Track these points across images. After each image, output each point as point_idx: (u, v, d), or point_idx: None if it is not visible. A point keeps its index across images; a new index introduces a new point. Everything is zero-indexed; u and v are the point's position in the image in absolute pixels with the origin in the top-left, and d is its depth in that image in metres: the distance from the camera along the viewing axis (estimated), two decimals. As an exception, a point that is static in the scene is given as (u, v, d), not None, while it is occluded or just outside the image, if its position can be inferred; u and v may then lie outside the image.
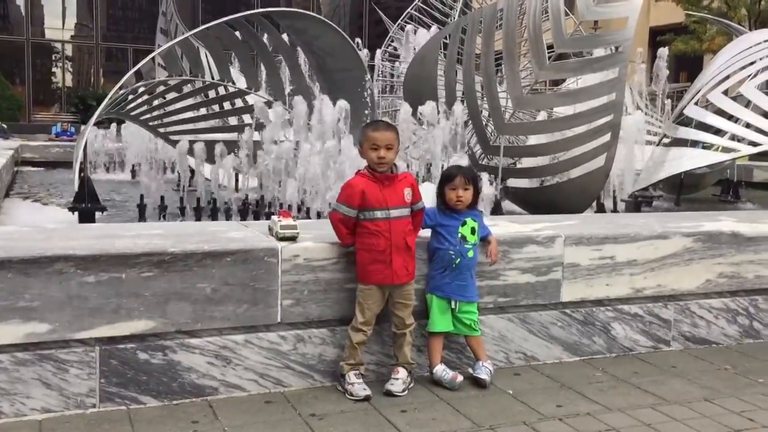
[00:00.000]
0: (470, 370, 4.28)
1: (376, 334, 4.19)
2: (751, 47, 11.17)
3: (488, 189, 8.93)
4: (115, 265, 3.61)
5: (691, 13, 31.61)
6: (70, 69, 43.16)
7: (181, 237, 4.07)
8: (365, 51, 17.95)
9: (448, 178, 4.26)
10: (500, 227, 4.78)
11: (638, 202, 10.63)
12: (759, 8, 34.90)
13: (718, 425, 3.77)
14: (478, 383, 4.18)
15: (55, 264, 3.51)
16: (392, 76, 16.82)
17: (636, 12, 8.33)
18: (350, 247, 4.00)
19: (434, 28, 15.39)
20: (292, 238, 4.03)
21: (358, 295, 3.99)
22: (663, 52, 14.80)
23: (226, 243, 3.93)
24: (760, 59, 10.75)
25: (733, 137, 10.19)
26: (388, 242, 3.91)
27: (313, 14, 13.03)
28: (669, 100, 16.31)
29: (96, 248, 3.64)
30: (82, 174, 9.20)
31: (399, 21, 17.54)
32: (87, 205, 8.54)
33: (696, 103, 10.74)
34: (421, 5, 16.75)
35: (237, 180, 10.74)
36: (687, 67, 40.27)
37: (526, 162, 10.45)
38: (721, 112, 10.38)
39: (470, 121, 10.55)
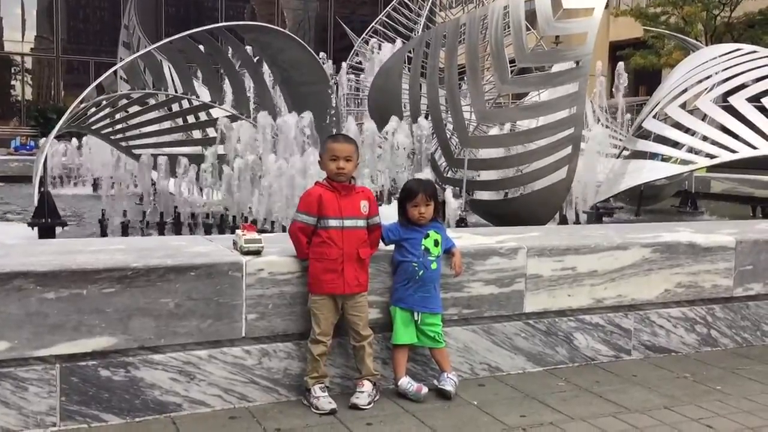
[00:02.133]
0: (435, 382, 4.30)
1: (340, 347, 4.20)
2: (706, 62, 11.45)
3: (453, 202, 9.01)
4: (75, 281, 3.57)
5: (649, 29, 32.34)
6: (30, 82, 42.47)
7: (143, 252, 4.03)
8: (330, 64, 18.02)
9: (409, 195, 4.30)
10: (464, 239, 4.82)
11: (600, 214, 10.79)
12: (714, 24, 35.84)
13: (677, 432, 3.85)
14: (443, 395, 4.20)
15: (14, 280, 3.45)
16: (357, 89, 16.90)
17: (595, 27, 8.50)
18: (305, 261, 4.01)
19: (398, 42, 15.53)
20: (257, 252, 4.03)
21: (312, 307, 4.00)
22: (621, 67, 15.10)
23: (190, 257, 3.91)
24: (716, 73, 11.03)
25: (690, 150, 10.43)
26: (341, 252, 3.94)
27: (278, 28, 13.03)
28: (629, 114, 16.63)
29: (56, 264, 3.60)
30: (42, 189, 9.05)
31: (363, 35, 17.66)
32: (47, 220, 8.40)
33: (654, 117, 10.97)
34: (386, 20, 16.90)
35: (201, 193, 10.68)
36: (646, 81, 41.11)
37: (489, 175, 10.55)
38: (678, 125, 10.62)
39: (434, 134, 10.64)
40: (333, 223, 3.96)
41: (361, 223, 4.05)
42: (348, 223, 3.99)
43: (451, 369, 4.33)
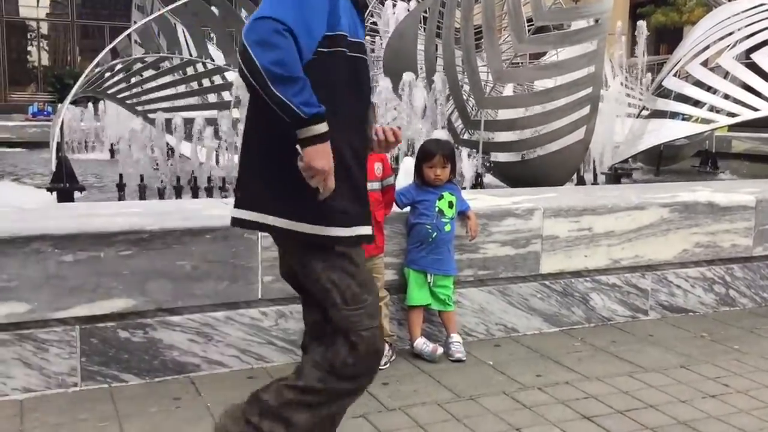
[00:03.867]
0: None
1: (356, 309, 4.21)
2: (729, 17, 11.18)
3: (469, 164, 8.95)
4: (93, 244, 3.60)
5: (670, -16, 31.54)
6: (46, 47, 42.45)
7: (160, 215, 4.06)
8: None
9: (426, 156, 4.27)
10: (480, 201, 4.80)
11: (618, 175, 10.70)
12: (738, -21, 34.93)
13: (693, 391, 3.85)
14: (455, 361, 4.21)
15: (32, 243, 3.49)
16: (372, 51, 16.72)
17: (614, -17, 8.32)
18: None
19: (413, 2, 15.29)
20: (272, 215, 4.02)
21: None
22: (641, 25, 14.79)
23: (206, 220, 3.92)
24: (738, 30, 10.78)
25: (711, 108, 10.25)
26: None
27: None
28: (649, 73, 16.35)
29: (73, 227, 3.63)
30: (60, 154, 9.10)
31: (378, -5, 17.40)
32: (65, 184, 8.46)
33: (675, 75, 10.78)
34: (400, -21, 16.61)
35: (217, 157, 10.67)
36: (667, 39, 40.35)
37: (505, 136, 10.45)
38: (699, 84, 10.43)
39: (450, 96, 10.53)
40: None
41: (376, 185, 4.02)
42: None
43: (456, 331, 4.34)
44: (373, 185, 4.00)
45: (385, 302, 4.12)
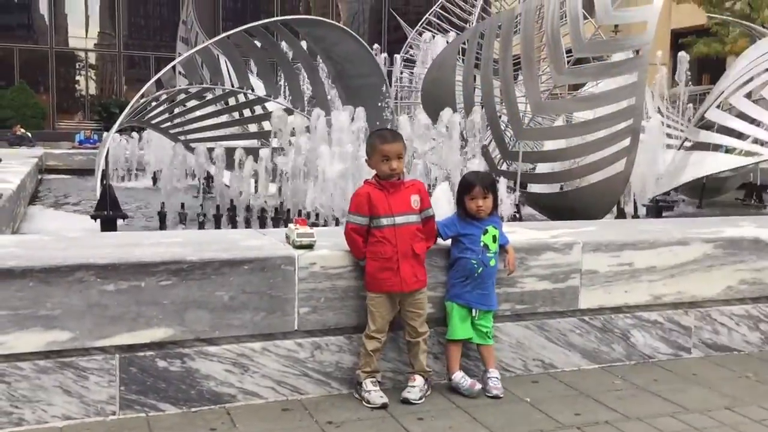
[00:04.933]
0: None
1: (391, 342, 4.19)
2: (773, 50, 11.04)
3: (507, 195, 8.91)
4: (134, 273, 3.65)
5: (712, 15, 31.28)
6: (93, 77, 43.69)
7: (199, 245, 4.10)
8: (384, 56, 18.01)
9: (467, 187, 4.24)
10: (518, 234, 4.77)
11: (659, 207, 10.55)
12: (783, 9, 34.49)
13: (738, 434, 3.73)
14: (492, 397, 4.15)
15: (75, 273, 3.55)
16: (410, 81, 16.85)
17: (655, 16, 8.27)
18: (362, 260, 4.01)
19: (452, 33, 15.41)
20: (309, 246, 4.05)
21: (369, 304, 3.99)
22: (683, 56, 14.65)
23: (244, 251, 3.96)
24: (783, 62, 10.62)
25: (755, 141, 10.08)
26: (395, 249, 3.92)
27: (332, 22, 13.09)
28: (690, 104, 16.16)
29: (116, 257, 3.69)
30: (104, 182, 9.31)
31: (417, 27, 17.59)
32: (108, 212, 8.63)
33: (718, 107, 10.64)
34: (440, 11, 16.79)
35: (256, 186, 10.80)
36: (709, 70, 39.85)
37: (544, 167, 10.40)
38: (743, 116, 10.27)
39: (489, 127, 10.53)
40: (385, 221, 3.94)
41: (414, 218, 4.01)
42: (399, 219, 3.96)
43: (495, 366, 4.28)
44: (408, 218, 4.01)
45: (424, 338, 4.10)
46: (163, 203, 9.19)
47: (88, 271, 3.57)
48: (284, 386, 4.00)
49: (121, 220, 8.88)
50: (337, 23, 13.10)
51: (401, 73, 16.88)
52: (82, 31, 41.76)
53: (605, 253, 4.69)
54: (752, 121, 10.16)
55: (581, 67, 9.90)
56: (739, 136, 10.19)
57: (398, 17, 24.77)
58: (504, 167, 10.74)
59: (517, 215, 8.97)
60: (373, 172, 4.10)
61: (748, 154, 10.23)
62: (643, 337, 4.85)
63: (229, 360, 3.89)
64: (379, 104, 11.63)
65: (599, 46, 10.27)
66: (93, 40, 42.55)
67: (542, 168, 10.49)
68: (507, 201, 8.89)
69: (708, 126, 10.69)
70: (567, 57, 9.80)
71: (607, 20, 9.20)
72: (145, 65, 41.16)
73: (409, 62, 17.19)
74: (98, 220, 8.60)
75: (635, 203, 10.38)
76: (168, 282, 3.70)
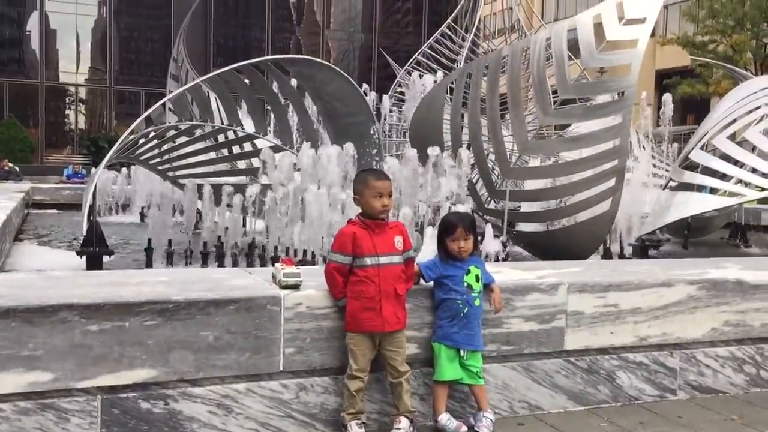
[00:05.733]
0: (472, 420, 4.24)
1: (377, 383, 4.17)
2: (756, 92, 11.25)
3: (494, 234, 8.95)
4: (118, 313, 3.63)
5: (695, 58, 31.86)
6: (83, 111, 43.82)
7: (185, 284, 4.09)
8: (373, 95, 18.19)
9: (448, 229, 4.27)
10: (503, 274, 4.79)
11: (645, 247, 10.62)
12: (765, 52, 35.21)
13: (724, 478, 3.72)
14: (480, 436, 4.14)
15: (59, 313, 3.53)
16: (399, 119, 17.01)
17: (639, 59, 8.43)
18: (341, 300, 4.01)
19: (440, 73, 15.61)
20: (295, 286, 4.05)
21: (349, 343, 3.99)
22: (667, 98, 14.90)
23: (230, 291, 3.95)
24: (765, 104, 10.82)
25: (738, 181, 10.21)
26: (378, 289, 3.93)
27: (321, 61, 13.23)
28: (675, 143, 16.37)
29: (100, 296, 3.67)
30: (91, 218, 9.28)
31: (406, 66, 17.81)
32: (95, 249, 8.60)
33: (702, 148, 10.79)
34: (428, 51, 17.03)
35: (244, 223, 10.80)
36: (694, 110, 40.51)
37: (531, 206, 10.48)
38: (726, 157, 10.42)
39: (476, 166, 10.62)
40: (369, 261, 3.96)
41: (397, 259, 4.04)
42: (383, 260, 3.98)
43: (488, 407, 4.27)
44: (392, 258, 4.03)
45: (406, 377, 4.08)
46: (150, 239, 9.16)
47: (71, 311, 3.55)
48: (268, 428, 3.96)
49: (107, 256, 8.83)
50: (326, 63, 13.24)
51: (390, 111, 17.04)
52: (73, 66, 42.00)
53: (591, 294, 4.71)
54: (735, 162, 10.30)
55: (567, 108, 10.03)
56: (723, 176, 10.31)
57: (387, 56, 25.09)
58: (491, 206, 10.81)
59: (505, 253, 9.00)
60: (358, 210, 4.13)
61: (732, 194, 10.34)
62: (629, 379, 4.85)
63: (213, 401, 3.85)
64: (368, 142, 11.71)
65: (584, 88, 10.44)
66: (83, 75, 42.76)
67: (528, 207, 10.56)
68: (494, 239, 8.94)
69: (692, 166, 10.82)
70: (553, 97, 9.94)
71: (593, 63, 9.37)
72: (135, 100, 41.32)
73: (399, 101, 17.37)
74: (84, 257, 8.56)
75: (621, 243, 10.45)
76: (152, 322, 3.69)
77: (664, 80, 42.58)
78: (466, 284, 4.20)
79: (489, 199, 10.81)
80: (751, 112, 10.92)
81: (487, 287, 4.37)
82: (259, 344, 3.90)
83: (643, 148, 14.82)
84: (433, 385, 4.26)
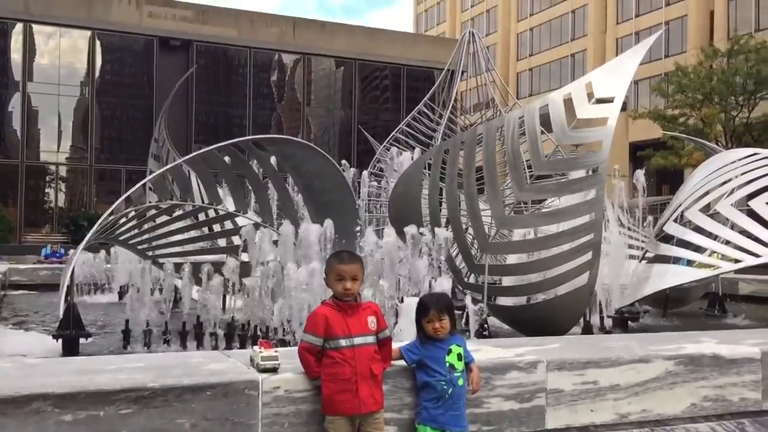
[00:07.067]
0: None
1: (357, 468, 4.10)
2: (726, 165, 11.58)
3: (474, 309, 8.97)
4: (93, 402, 3.58)
5: (667, 133, 32.74)
6: (63, 189, 43.72)
7: (161, 370, 4.05)
8: (353, 170, 18.45)
9: (422, 310, 4.29)
10: (483, 352, 4.79)
11: (625, 319, 10.68)
12: (734, 124, 36.30)
13: None
14: None
15: (32, 403, 3.48)
16: (378, 195, 17.21)
17: (609, 136, 8.67)
18: (317, 380, 3.99)
19: (418, 150, 15.92)
20: (273, 370, 4.03)
21: (328, 427, 3.94)
22: (639, 173, 15.25)
23: (207, 376, 3.92)
24: (735, 177, 11.12)
25: (712, 253, 10.38)
26: (353, 370, 3.91)
27: (300, 140, 13.45)
28: (650, 216, 16.65)
29: (74, 385, 3.62)
30: (69, 299, 9.19)
31: (384, 143, 18.15)
32: (71, 331, 8.49)
33: (676, 220, 11.00)
34: (406, 128, 17.41)
35: (224, 301, 10.74)
36: (669, 180, 41.35)
37: (510, 280, 10.55)
38: (700, 229, 10.61)
39: (455, 240, 10.72)
40: (343, 342, 3.96)
41: (371, 339, 4.04)
42: (357, 340, 3.98)
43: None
44: (366, 339, 4.03)
45: (385, 460, 4.03)
46: (127, 321, 9.06)
47: (45, 401, 3.50)
48: None
49: (84, 339, 8.72)
50: (306, 142, 13.46)
51: (369, 187, 17.26)
52: (54, 145, 42.15)
53: (570, 372, 4.72)
54: (709, 234, 10.49)
55: (542, 183, 10.24)
56: (697, 249, 10.48)
57: (365, 132, 25.53)
58: (471, 280, 10.86)
59: (485, 328, 9.00)
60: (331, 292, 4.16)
61: (708, 266, 10.50)
62: (611, 457, 4.81)
63: (189, 491, 3.77)
64: (348, 219, 11.80)
65: (558, 164, 10.67)
66: (65, 154, 42.87)
67: (508, 281, 10.63)
68: (474, 314, 8.95)
69: (668, 238, 11.00)
70: (528, 171, 10.14)
71: (565, 140, 9.62)
72: (116, 178, 41.38)
73: (378, 176, 17.63)
74: (60, 340, 8.44)
75: (601, 315, 10.50)
76: (128, 410, 3.64)
77: (637, 152, 43.59)
78: (448, 364, 4.19)
79: (468, 273, 10.87)
80: (722, 184, 11.20)
81: (467, 366, 4.36)
82: (236, 430, 3.85)
83: (619, 219, 15.05)
84: (416, 467, 4.20)
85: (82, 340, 8.62)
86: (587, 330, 9.68)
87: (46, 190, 43.39)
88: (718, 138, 35.14)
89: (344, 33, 46.51)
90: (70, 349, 8.38)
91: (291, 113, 46.60)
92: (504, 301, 10.71)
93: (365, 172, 17.66)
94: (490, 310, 9.83)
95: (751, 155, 11.35)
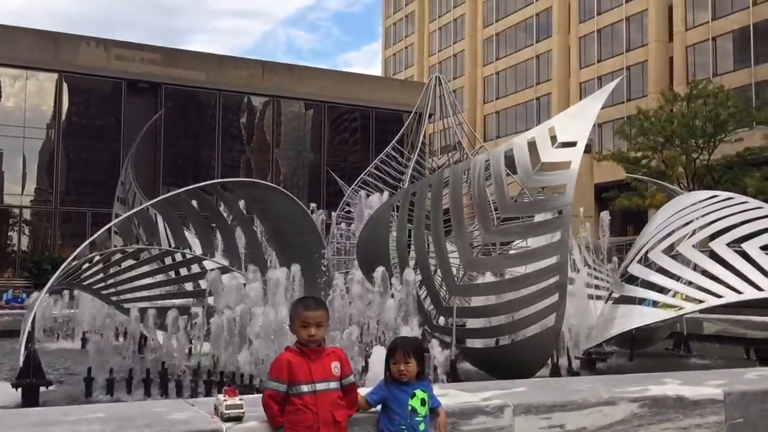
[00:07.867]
0: None
1: None
2: (687, 207, 11.82)
3: (442, 352, 8.94)
4: (51, 456, 3.50)
5: (630, 175, 33.38)
6: (27, 233, 42.95)
7: (122, 421, 3.98)
8: (322, 212, 18.47)
9: (390, 351, 4.31)
10: (449, 397, 4.78)
11: (592, 359, 10.73)
12: (695, 166, 37.16)
13: None
14: None
15: (-13, 458, 3.39)
16: (348, 238, 17.22)
17: (573, 180, 8.83)
18: (280, 430, 3.95)
19: (386, 192, 16.02)
20: (238, 418, 3.98)
21: None
22: (605, 215, 15.49)
23: (169, 426, 3.86)
24: (696, 219, 11.35)
25: (675, 294, 10.53)
26: (315, 417, 3.89)
27: (268, 183, 13.48)
28: (615, 257, 16.88)
29: (32, 439, 3.54)
30: (30, 346, 8.98)
31: (353, 185, 18.24)
32: (31, 380, 8.28)
33: (639, 261, 11.15)
34: (374, 171, 17.54)
35: (190, 347, 10.58)
36: (633, 221, 41.99)
37: (477, 322, 10.57)
38: (663, 270, 10.77)
39: (423, 283, 10.74)
40: (305, 388, 3.93)
41: (334, 384, 4.02)
42: (320, 386, 3.95)
43: None
44: (329, 385, 4.00)
45: None
46: (89, 368, 8.87)
47: (1, 456, 3.41)
48: None
49: (45, 387, 8.50)
50: (273, 185, 13.48)
51: (338, 230, 17.28)
52: (18, 188, 41.52)
53: (536, 416, 4.73)
54: (672, 275, 10.64)
55: (508, 226, 10.35)
56: (661, 290, 10.62)
57: (334, 174, 25.61)
58: (440, 321, 10.86)
59: (453, 372, 8.97)
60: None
61: (672, 306, 10.63)
62: (579, 502, 4.80)
63: None
64: (316, 262, 11.77)
65: (523, 207, 10.82)
66: (29, 197, 42.24)
67: (474, 323, 10.65)
68: (442, 357, 8.92)
69: (632, 279, 11.13)
70: (495, 213, 10.24)
71: (530, 183, 9.76)
72: (81, 221, 40.82)
73: (346, 218, 17.67)
74: (20, 389, 8.22)
75: (569, 356, 10.53)
76: (87, 464, 3.55)
77: (602, 193, 44.33)
78: (410, 408, 4.18)
79: (437, 315, 10.87)
80: (683, 226, 11.41)
81: (434, 411, 4.35)
82: (199, 483, 3.77)
83: (585, 260, 15.22)
84: None
85: (42, 389, 8.40)
86: (555, 371, 9.69)
87: (9, 233, 42.58)
88: (680, 179, 35.94)
89: (313, 76, 46.93)
90: (30, 397, 8.16)
91: (260, 155, 46.60)
92: (473, 343, 10.71)
93: (334, 214, 17.71)
94: (459, 351, 9.83)
95: (711, 197, 11.62)
